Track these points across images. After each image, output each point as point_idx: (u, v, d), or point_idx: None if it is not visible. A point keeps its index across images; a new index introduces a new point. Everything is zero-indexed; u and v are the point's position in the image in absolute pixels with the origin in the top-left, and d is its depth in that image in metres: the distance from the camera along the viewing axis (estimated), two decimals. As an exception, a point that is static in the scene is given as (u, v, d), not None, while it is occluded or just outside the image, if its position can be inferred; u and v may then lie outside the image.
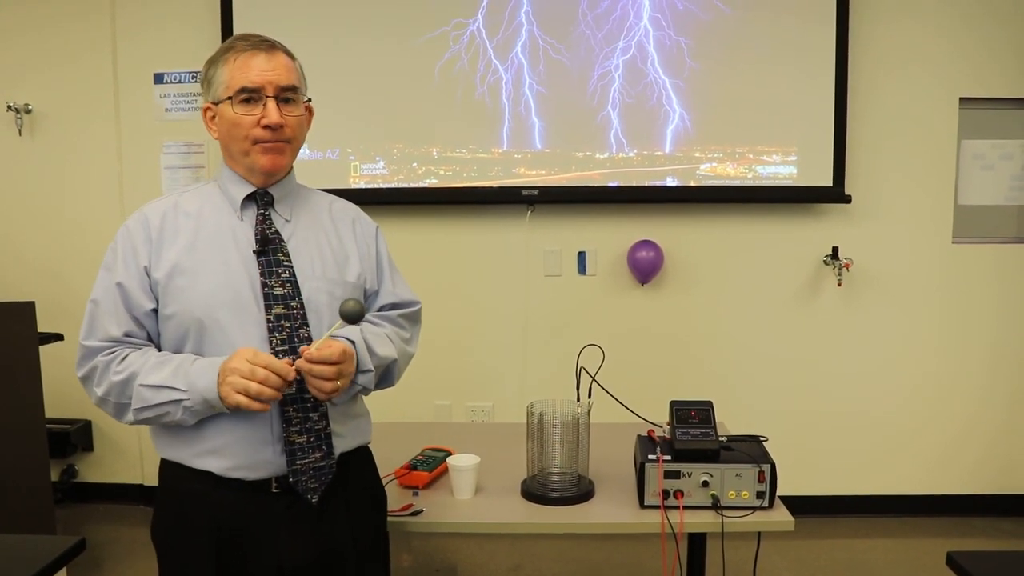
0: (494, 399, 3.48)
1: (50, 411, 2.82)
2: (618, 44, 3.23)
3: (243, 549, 1.42)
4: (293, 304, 1.42)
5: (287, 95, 1.44)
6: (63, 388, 2.74)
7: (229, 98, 1.41)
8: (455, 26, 3.24)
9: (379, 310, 1.61)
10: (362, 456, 1.59)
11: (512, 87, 3.26)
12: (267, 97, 1.41)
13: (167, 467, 1.47)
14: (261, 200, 1.47)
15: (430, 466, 1.92)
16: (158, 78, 3.42)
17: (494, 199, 3.33)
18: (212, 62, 1.46)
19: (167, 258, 1.40)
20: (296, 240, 1.47)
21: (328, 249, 1.51)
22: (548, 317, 3.43)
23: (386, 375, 1.56)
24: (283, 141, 1.44)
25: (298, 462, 1.41)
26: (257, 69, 1.41)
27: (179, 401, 1.34)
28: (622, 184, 3.28)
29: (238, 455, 1.39)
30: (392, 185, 3.32)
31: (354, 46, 3.27)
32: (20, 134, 3.44)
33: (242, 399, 1.29)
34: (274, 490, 1.42)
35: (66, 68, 3.42)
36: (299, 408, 1.41)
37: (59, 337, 2.96)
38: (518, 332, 3.45)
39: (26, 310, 2.68)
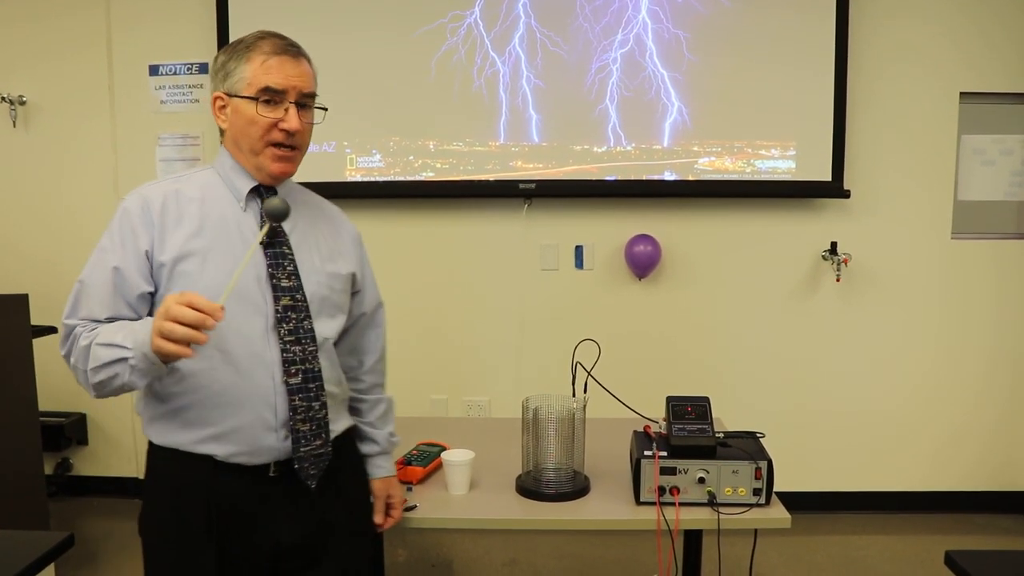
0: (490, 394, 3.47)
1: (44, 404, 2.80)
2: (616, 37, 3.20)
3: (242, 531, 1.43)
4: (298, 296, 1.46)
5: (305, 101, 1.47)
6: (57, 381, 2.72)
7: (249, 96, 1.42)
8: (452, 18, 3.22)
9: (353, 319, 1.64)
10: (350, 437, 1.63)
11: (509, 80, 3.23)
12: (289, 103, 1.43)
13: (160, 454, 1.45)
14: (265, 194, 1.48)
15: (424, 461, 1.91)
16: (153, 70, 3.40)
17: (491, 193, 3.32)
18: (233, 54, 1.44)
19: (173, 242, 1.39)
20: (296, 235, 1.50)
21: (324, 246, 1.55)
22: (545, 311, 3.41)
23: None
24: (294, 148, 1.47)
25: (302, 450, 1.45)
26: (283, 73, 1.43)
27: (125, 359, 1.28)
28: (620, 178, 3.26)
29: (241, 441, 1.41)
30: (388, 178, 3.30)
31: (350, 38, 3.24)
32: (14, 126, 3.42)
33: (168, 346, 1.19)
34: (272, 474, 1.44)
35: (61, 59, 3.40)
36: (304, 398, 1.44)
37: (53, 330, 2.94)
38: (515, 326, 3.43)
39: (20, 303, 2.67)
